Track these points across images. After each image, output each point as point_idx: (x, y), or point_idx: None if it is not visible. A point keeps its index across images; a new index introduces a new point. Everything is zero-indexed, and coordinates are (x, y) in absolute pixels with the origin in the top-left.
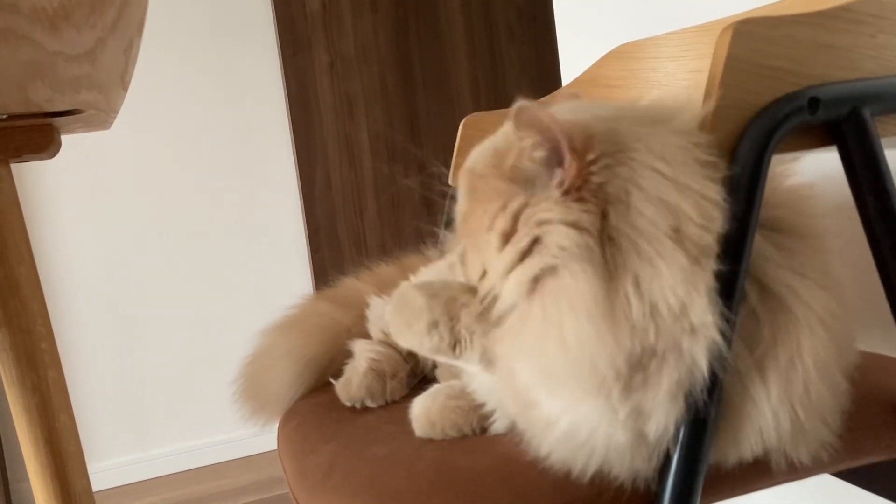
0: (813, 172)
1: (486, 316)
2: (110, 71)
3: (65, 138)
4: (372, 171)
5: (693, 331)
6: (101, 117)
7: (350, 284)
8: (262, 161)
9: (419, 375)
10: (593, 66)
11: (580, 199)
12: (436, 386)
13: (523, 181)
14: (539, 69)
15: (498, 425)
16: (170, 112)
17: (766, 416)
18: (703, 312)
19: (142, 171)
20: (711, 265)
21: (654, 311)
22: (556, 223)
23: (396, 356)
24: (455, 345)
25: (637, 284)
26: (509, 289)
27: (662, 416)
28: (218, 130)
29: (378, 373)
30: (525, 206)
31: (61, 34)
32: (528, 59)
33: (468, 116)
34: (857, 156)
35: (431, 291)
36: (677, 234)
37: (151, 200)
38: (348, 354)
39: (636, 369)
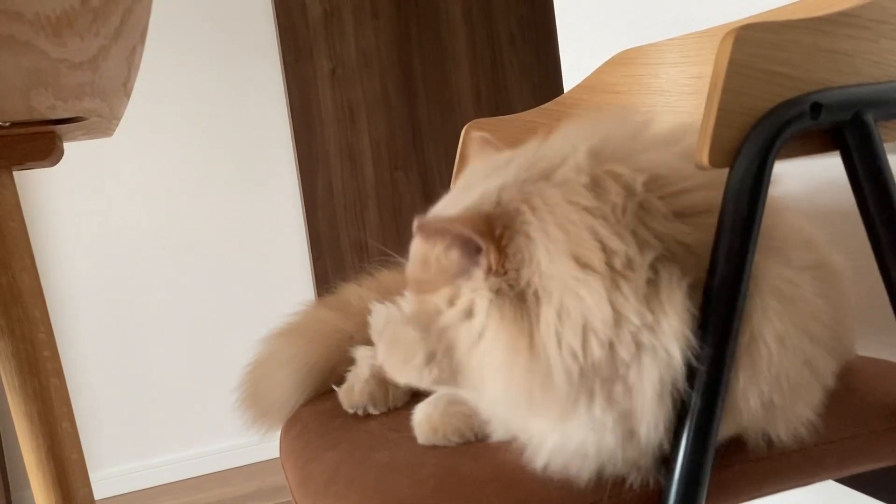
0: (816, 178)
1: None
2: (113, 78)
3: (67, 146)
4: (373, 178)
5: (654, 329)
6: (104, 125)
7: (352, 291)
8: (263, 168)
9: None
10: (595, 72)
11: (503, 273)
12: (437, 392)
13: (453, 275)
14: (540, 76)
15: (501, 432)
16: (171, 119)
17: (736, 396)
18: (641, 314)
19: (144, 179)
20: (641, 274)
21: (586, 329)
22: (479, 290)
23: None
24: (457, 373)
25: (563, 314)
26: (461, 341)
27: (652, 415)
28: (219, 138)
29: (380, 379)
30: (460, 289)
31: (64, 42)
32: (530, 65)
33: (470, 123)
34: (860, 161)
35: (423, 323)
36: (585, 267)
37: (153, 208)
38: (350, 361)
39: (609, 382)
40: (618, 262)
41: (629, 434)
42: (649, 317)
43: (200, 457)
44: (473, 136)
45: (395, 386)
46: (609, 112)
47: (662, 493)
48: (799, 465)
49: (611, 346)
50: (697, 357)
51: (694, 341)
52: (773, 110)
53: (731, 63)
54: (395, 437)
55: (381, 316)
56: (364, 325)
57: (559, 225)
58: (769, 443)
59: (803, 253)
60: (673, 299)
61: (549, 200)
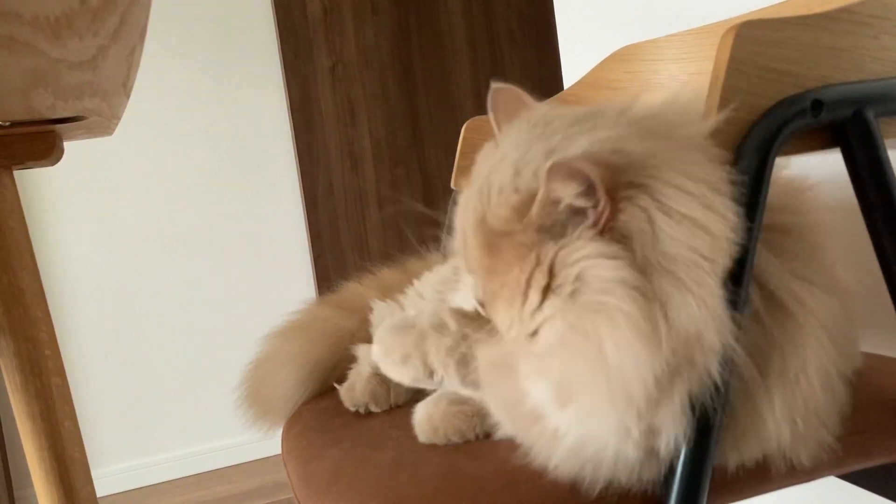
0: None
1: (466, 347)
2: (112, 78)
3: (67, 145)
4: (374, 176)
5: (703, 348)
6: (104, 124)
7: (353, 289)
8: (263, 166)
9: None
10: (594, 69)
11: (611, 237)
12: (439, 391)
13: (552, 230)
14: (540, 73)
15: (502, 431)
16: (171, 118)
17: (769, 425)
18: (716, 334)
19: (144, 178)
20: (720, 284)
21: (677, 335)
22: (593, 258)
23: None
24: (431, 374)
25: (665, 311)
26: (551, 329)
27: (673, 429)
28: (219, 136)
29: (382, 378)
30: (558, 253)
31: (64, 42)
32: (530, 62)
33: (470, 120)
34: (861, 158)
35: (405, 326)
36: (708, 261)
37: (154, 206)
38: (352, 359)
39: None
40: (725, 272)
41: (651, 451)
42: (717, 340)
43: (202, 454)
44: (499, 93)
45: (397, 384)
46: (678, 89)
47: (665, 487)
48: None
49: (675, 357)
50: (729, 376)
51: (735, 357)
52: (773, 108)
53: (732, 60)
54: (396, 435)
55: (382, 314)
56: (365, 324)
57: (700, 203)
58: (790, 468)
59: (845, 294)
60: (716, 310)
61: (686, 161)
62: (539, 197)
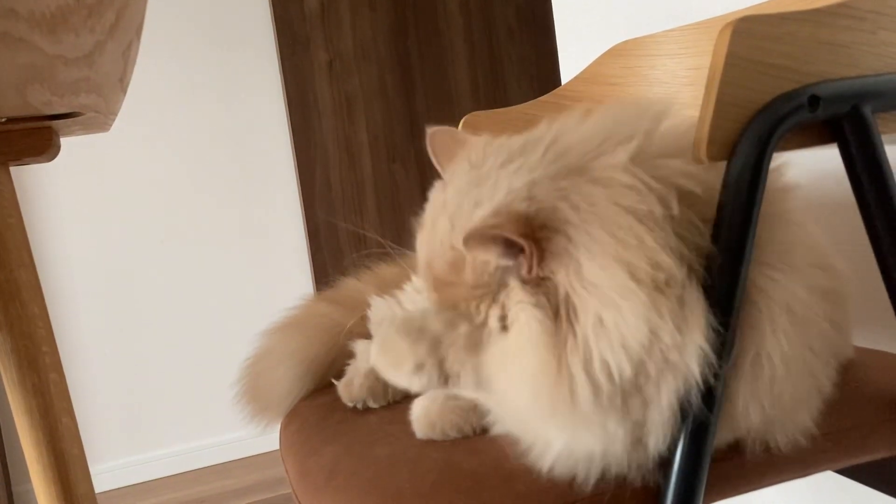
0: (813, 170)
1: (475, 348)
2: (109, 74)
3: (64, 141)
4: (371, 171)
5: (679, 348)
6: (100, 120)
7: (351, 285)
8: (261, 161)
9: None
10: (592, 64)
11: (542, 278)
12: None
13: (488, 285)
14: (538, 68)
15: (500, 426)
16: (168, 112)
17: (737, 406)
18: (673, 334)
19: (141, 173)
20: (677, 291)
21: (623, 348)
22: (520, 302)
23: None
24: (447, 380)
25: (599, 329)
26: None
27: (661, 427)
28: (216, 131)
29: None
30: (495, 298)
31: (60, 38)
32: (528, 57)
33: (468, 115)
34: (858, 153)
35: (413, 330)
36: (629, 275)
37: (151, 202)
38: (350, 355)
39: (629, 395)
40: (661, 278)
41: (637, 442)
42: (678, 337)
43: (200, 450)
44: (436, 135)
45: None
46: (623, 103)
47: (663, 481)
48: (798, 456)
49: (640, 365)
50: (716, 375)
51: (713, 358)
52: (771, 103)
53: (729, 55)
54: (394, 430)
55: (380, 310)
56: (363, 319)
57: (605, 228)
58: (766, 449)
59: (819, 275)
60: (697, 312)
61: (592, 199)
62: (468, 262)
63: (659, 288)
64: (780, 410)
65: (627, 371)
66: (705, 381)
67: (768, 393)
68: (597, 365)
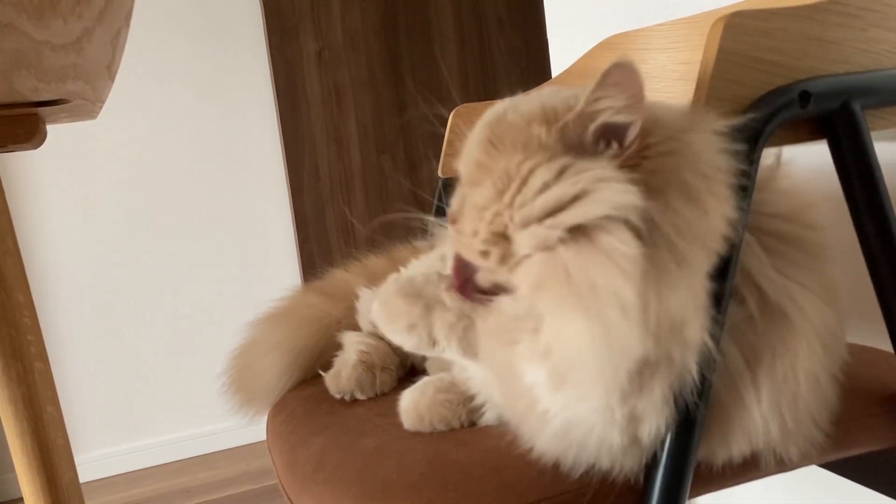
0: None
1: (463, 317)
2: (97, 61)
3: (51, 128)
4: (360, 162)
5: (685, 342)
6: (88, 107)
7: (339, 276)
8: (249, 151)
9: (409, 367)
10: (583, 57)
11: (631, 179)
12: (425, 379)
13: (570, 145)
14: (528, 60)
15: (488, 416)
16: (156, 101)
17: (756, 420)
18: (699, 329)
19: (128, 162)
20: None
21: (661, 319)
22: (612, 181)
23: (386, 348)
24: (434, 344)
25: (658, 287)
26: (531, 236)
27: (655, 419)
28: (204, 120)
29: (368, 365)
30: (572, 164)
31: (47, 24)
32: (518, 49)
33: (458, 107)
34: (848, 149)
35: (412, 293)
36: (705, 248)
37: (138, 191)
38: (338, 346)
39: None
40: (715, 264)
41: (634, 439)
42: (701, 334)
43: (185, 440)
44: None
45: (383, 371)
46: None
47: (649, 472)
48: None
49: (657, 345)
50: (711, 372)
51: (714, 354)
52: (761, 98)
53: (721, 51)
54: (382, 422)
55: (368, 301)
56: (351, 311)
57: (709, 187)
58: (779, 461)
59: (843, 300)
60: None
61: (706, 149)
62: (585, 97)
63: (709, 273)
64: (798, 424)
65: (652, 347)
66: (702, 379)
67: (791, 406)
68: (654, 329)
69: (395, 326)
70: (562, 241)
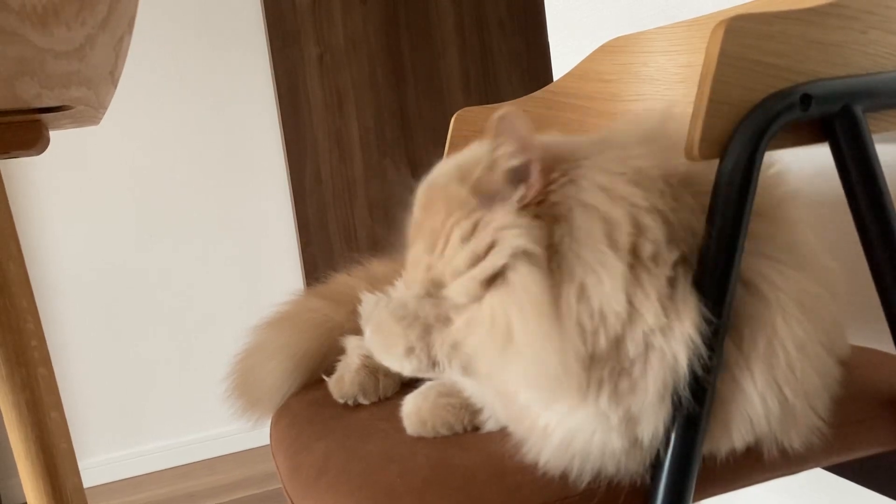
0: (804, 168)
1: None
2: (100, 67)
3: (54, 134)
4: (362, 165)
5: (665, 332)
6: (90, 113)
7: (342, 280)
8: (251, 155)
9: None
10: (584, 60)
11: (536, 215)
12: (427, 383)
13: (485, 196)
14: (530, 63)
15: (491, 424)
16: (158, 106)
17: (755, 401)
18: (658, 316)
19: (131, 167)
20: (664, 270)
21: (601, 316)
22: (511, 227)
23: None
24: (434, 365)
25: (582, 291)
26: (460, 287)
27: (652, 418)
28: (207, 124)
29: (371, 369)
30: (482, 217)
31: (51, 31)
32: (519, 53)
33: (460, 111)
34: (849, 152)
35: (406, 315)
36: (612, 243)
37: (140, 196)
38: (341, 351)
39: (615, 374)
40: (646, 250)
41: (634, 441)
42: (664, 319)
43: (189, 445)
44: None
45: (386, 375)
46: (644, 114)
47: (654, 475)
48: (788, 454)
49: (618, 342)
50: (705, 368)
51: (703, 350)
52: (763, 102)
53: (722, 54)
54: (385, 427)
55: (370, 305)
56: (354, 315)
57: (607, 191)
58: (783, 453)
59: (823, 274)
60: (689, 303)
61: (604, 164)
62: (483, 156)
63: (642, 262)
64: (797, 400)
65: (602, 343)
66: (694, 374)
67: (785, 378)
68: (580, 328)
69: (392, 352)
70: (485, 289)
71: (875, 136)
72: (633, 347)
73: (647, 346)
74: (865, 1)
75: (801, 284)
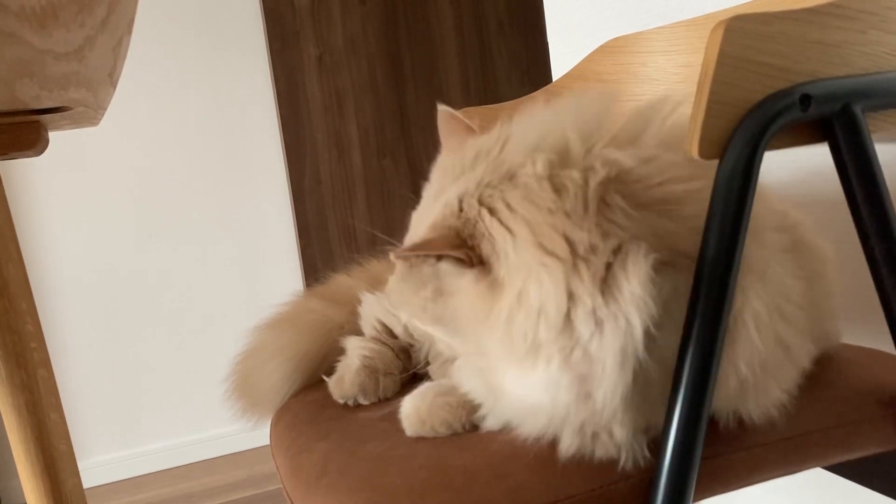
0: (804, 167)
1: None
2: (99, 68)
3: (53, 135)
4: (361, 166)
5: (609, 303)
6: (90, 114)
7: (341, 281)
8: (250, 156)
9: (412, 372)
10: (584, 60)
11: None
12: (426, 384)
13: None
14: (529, 63)
15: (489, 420)
16: (157, 107)
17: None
18: (593, 295)
19: (130, 168)
20: (602, 258)
21: (539, 314)
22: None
23: (389, 353)
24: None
25: (521, 298)
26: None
27: (611, 382)
28: (206, 125)
29: (371, 370)
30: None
31: (50, 32)
32: (518, 53)
33: (459, 111)
34: (848, 152)
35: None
36: (546, 251)
37: (140, 197)
38: (341, 351)
39: (566, 349)
40: (581, 249)
41: (585, 395)
42: (600, 298)
43: (189, 445)
44: (442, 115)
45: (386, 376)
46: (572, 98)
47: (654, 476)
48: (787, 453)
49: (563, 329)
50: (657, 325)
51: (654, 308)
52: (762, 102)
53: (721, 54)
54: (385, 427)
55: (370, 306)
56: (354, 316)
57: (523, 221)
58: (740, 423)
59: (777, 235)
60: (637, 269)
61: (511, 202)
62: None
63: (579, 256)
64: (752, 374)
65: (543, 334)
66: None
67: (743, 354)
68: (518, 327)
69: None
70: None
71: (875, 136)
72: (583, 328)
73: (598, 322)
74: (865, 1)
75: (752, 251)
